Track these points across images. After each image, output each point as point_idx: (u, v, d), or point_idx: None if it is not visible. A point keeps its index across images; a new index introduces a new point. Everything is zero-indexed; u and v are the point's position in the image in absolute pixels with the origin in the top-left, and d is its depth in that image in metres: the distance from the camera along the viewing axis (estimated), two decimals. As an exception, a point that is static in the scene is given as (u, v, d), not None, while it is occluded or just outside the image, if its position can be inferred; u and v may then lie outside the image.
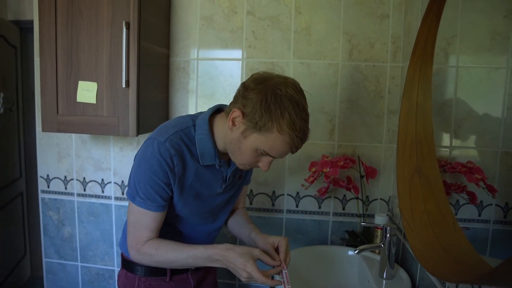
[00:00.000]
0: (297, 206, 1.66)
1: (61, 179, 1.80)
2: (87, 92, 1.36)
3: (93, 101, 1.36)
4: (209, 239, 1.25)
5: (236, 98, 0.99)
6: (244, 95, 0.96)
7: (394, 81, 1.54)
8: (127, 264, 1.20)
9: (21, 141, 2.97)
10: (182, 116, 1.11)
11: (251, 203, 1.68)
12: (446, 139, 1.09)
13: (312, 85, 1.57)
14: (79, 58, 1.35)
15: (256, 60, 1.59)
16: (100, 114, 1.36)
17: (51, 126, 1.40)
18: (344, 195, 1.63)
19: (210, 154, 1.05)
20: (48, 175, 1.81)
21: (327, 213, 1.65)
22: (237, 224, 1.29)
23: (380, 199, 1.62)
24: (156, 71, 1.52)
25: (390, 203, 1.60)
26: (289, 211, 1.67)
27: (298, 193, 1.65)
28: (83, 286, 1.88)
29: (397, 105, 1.53)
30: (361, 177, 1.52)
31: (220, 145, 1.07)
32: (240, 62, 1.60)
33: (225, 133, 1.02)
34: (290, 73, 1.57)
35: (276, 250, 1.10)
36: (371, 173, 1.50)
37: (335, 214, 1.65)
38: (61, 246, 1.86)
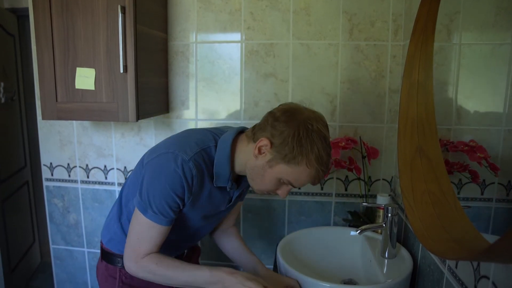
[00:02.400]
0: (299, 188, 1.66)
1: (64, 167, 1.81)
2: (85, 78, 1.35)
3: (92, 87, 1.35)
4: (193, 241, 1.27)
5: (263, 126, 1.00)
6: (274, 125, 0.97)
7: (396, 60, 1.52)
8: (107, 255, 1.19)
9: (24, 130, 2.98)
10: (203, 131, 1.09)
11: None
12: (448, 118, 1.08)
13: (312, 66, 1.55)
14: (76, 44, 1.34)
15: (255, 42, 1.57)
16: (99, 100, 1.36)
17: (51, 114, 1.40)
18: (347, 176, 1.63)
19: (225, 177, 1.05)
20: (51, 163, 1.82)
21: (329, 194, 1.65)
22: (236, 251, 1.31)
23: (383, 179, 1.61)
24: (155, 55, 1.51)
25: (393, 183, 1.60)
26: (291, 193, 1.67)
27: (300, 175, 1.65)
28: (90, 271, 1.91)
29: (398, 84, 1.52)
30: (363, 157, 1.52)
31: (237, 167, 1.07)
32: (239, 44, 1.58)
33: (246, 157, 1.03)
34: (289, 54, 1.55)
35: None
36: (372, 153, 1.50)
37: (338, 195, 1.65)
38: (67, 232, 1.89)
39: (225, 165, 1.03)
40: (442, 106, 1.09)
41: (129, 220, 1.11)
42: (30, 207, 3.09)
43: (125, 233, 1.14)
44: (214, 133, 1.08)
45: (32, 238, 3.12)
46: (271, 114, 1.01)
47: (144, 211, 1.00)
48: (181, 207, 1.03)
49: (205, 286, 1.00)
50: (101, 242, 1.23)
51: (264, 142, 0.97)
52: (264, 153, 0.98)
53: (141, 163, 1.08)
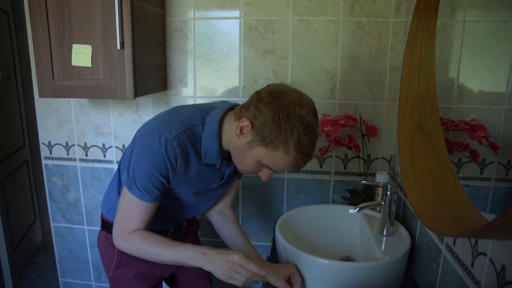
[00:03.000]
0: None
1: (62, 145, 1.81)
2: (81, 55, 1.33)
3: (89, 64, 1.33)
4: (190, 214, 1.27)
5: (248, 106, 0.98)
6: (257, 106, 0.94)
7: (397, 37, 1.49)
8: (106, 225, 1.23)
9: (22, 109, 2.97)
10: (191, 109, 1.07)
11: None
12: (449, 97, 1.07)
13: (312, 43, 1.53)
14: (71, 20, 1.31)
15: (254, 18, 1.54)
16: (96, 78, 1.34)
17: (48, 92, 1.39)
18: (346, 154, 1.62)
19: (213, 154, 1.04)
20: (49, 142, 1.81)
21: (328, 173, 1.65)
22: (232, 238, 1.30)
23: (382, 157, 1.61)
24: (152, 32, 1.48)
25: (392, 162, 1.60)
26: (290, 171, 1.67)
27: (299, 153, 1.64)
28: (91, 248, 1.93)
29: (399, 62, 1.50)
30: (363, 135, 1.51)
31: (225, 145, 1.06)
32: (238, 20, 1.55)
33: (231, 135, 1.01)
34: (289, 30, 1.52)
35: (288, 280, 1.12)
36: (372, 131, 1.49)
37: (337, 173, 1.65)
38: (67, 210, 1.89)
39: (212, 143, 1.02)
40: (444, 84, 1.07)
41: None
42: (30, 186, 3.10)
43: None
44: (203, 110, 1.06)
45: (33, 216, 3.15)
46: (257, 94, 0.98)
47: (129, 188, 1.02)
48: (166, 185, 1.04)
49: (188, 262, 1.02)
50: (102, 213, 1.26)
51: (245, 122, 0.95)
52: (245, 133, 0.96)
53: (134, 138, 1.09)
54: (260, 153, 0.95)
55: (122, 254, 1.20)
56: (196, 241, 1.43)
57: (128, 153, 1.07)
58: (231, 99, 1.61)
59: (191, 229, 1.37)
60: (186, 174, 1.04)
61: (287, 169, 0.99)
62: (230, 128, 1.03)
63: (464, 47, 1.02)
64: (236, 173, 1.19)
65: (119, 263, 1.23)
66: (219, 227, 1.33)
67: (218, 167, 1.08)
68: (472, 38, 0.99)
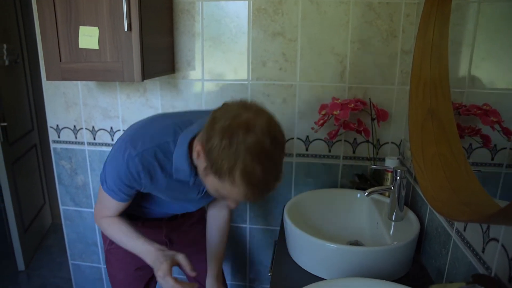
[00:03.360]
0: (307, 150, 1.65)
1: (70, 129, 1.81)
2: (88, 37, 1.32)
3: (96, 46, 1.32)
4: (183, 211, 1.29)
5: (205, 127, 0.88)
6: (208, 129, 0.84)
7: (409, 19, 1.46)
8: None
9: (30, 93, 2.98)
10: (166, 124, 1.04)
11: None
12: (462, 81, 1.05)
13: (322, 25, 1.50)
14: (77, 2, 1.30)
15: None
16: (103, 60, 1.33)
17: (55, 75, 1.38)
18: (355, 139, 1.61)
19: (185, 172, 1.01)
20: (57, 125, 1.82)
21: (337, 157, 1.64)
22: (212, 239, 1.32)
23: (391, 142, 1.59)
24: (160, 13, 1.46)
25: (401, 147, 1.58)
26: (298, 155, 1.66)
27: (308, 136, 1.63)
28: (99, 231, 1.95)
29: (411, 45, 1.47)
30: (372, 120, 1.49)
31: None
32: (247, 2, 1.52)
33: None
34: (298, 12, 1.49)
35: None
36: (382, 115, 1.47)
37: (345, 157, 1.64)
38: (75, 194, 1.91)
39: (183, 162, 0.99)
40: (456, 68, 1.05)
41: None
42: (39, 169, 3.14)
43: None
44: (179, 126, 1.02)
45: (42, 199, 3.19)
46: (212, 115, 0.87)
47: (102, 184, 1.07)
48: (135, 191, 1.07)
49: (140, 255, 1.06)
50: None
51: (198, 147, 0.88)
52: (201, 158, 0.88)
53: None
54: (213, 181, 0.86)
55: None
56: (200, 230, 1.41)
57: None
58: (239, 83, 1.59)
59: (190, 218, 1.38)
60: (154, 186, 1.06)
61: (240, 200, 0.90)
62: None
63: (479, 29, 0.99)
64: None
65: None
66: (208, 222, 1.34)
67: (191, 185, 1.05)
68: (488, 20, 0.96)
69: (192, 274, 0.98)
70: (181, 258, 1.01)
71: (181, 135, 1.00)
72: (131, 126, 1.09)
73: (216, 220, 1.32)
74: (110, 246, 1.29)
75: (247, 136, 0.79)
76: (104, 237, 1.31)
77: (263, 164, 0.80)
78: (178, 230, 1.35)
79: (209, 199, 1.21)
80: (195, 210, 1.30)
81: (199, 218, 1.43)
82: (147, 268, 1.31)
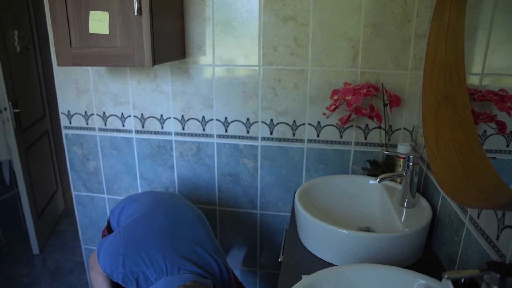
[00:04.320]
0: (318, 136, 1.64)
1: (81, 115, 1.82)
2: (99, 22, 1.31)
3: (106, 31, 1.31)
4: None
5: None
6: None
7: (424, 3, 1.42)
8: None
9: (41, 80, 3.00)
10: (160, 249, 1.18)
11: (271, 133, 1.67)
12: (477, 65, 1.02)
13: (334, 9, 1.47)
14: (87, -14, 1.29)
15: (274, -17, 1.48)
16: (114, 45, 1.32)
17: (66, 60, 1.38)
18: (367, 124, 1.59)
19: None
20: (69, 111, 1.83)
21: (348, 143, 1.63)
22: None
23: (404, 128, 1.57)
24: (169, -2, 1.45)
25: (414, 133, 1.56)
26: (310, 141, 1.65)
27: (319, 122, 1.62)
28: (111, 216, 1.97)
29: (425, 29, 1.43)
30: (385, 105, 1.47)
31: None
32: (257, -14, 1.50)
33: None
34: (310, -4, 1.47)
35: None
36: (395, 101, 1.45)
37: (357, 143, 1.62)
38: (87, 179, 1.93)
39: None
40: (472, 52, 1.02)
41: None
42: (52, 155, 3.17)
43: None
44: (166, 262, 1.16)
45: (55, 185, 3.23)
46: None
47: (98, 257, 1.22)
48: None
49: None
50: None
51: None
52: None
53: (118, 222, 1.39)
54: None
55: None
56: None
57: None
58: (251, 68, 1.58)
59: None
60: None
61: None
62: None
63: (497, 12, 0.96)
64: None
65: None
66: None
67: None
68: (507, 2, 0.93)
69: None
70: None
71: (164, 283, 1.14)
72: (128, 207, 1.36)
73: None
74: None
75: None
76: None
77: None
78: None
79: None
80: None
81: None
82: None
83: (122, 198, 1.92)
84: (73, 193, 1.97)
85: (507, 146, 0.84)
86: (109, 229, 1.44)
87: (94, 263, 1.24)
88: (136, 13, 1.25)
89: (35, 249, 2.72)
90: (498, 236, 0.85)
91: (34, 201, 2.70)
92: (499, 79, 0.95)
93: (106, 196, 1.94)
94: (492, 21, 0.97)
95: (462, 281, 0.78)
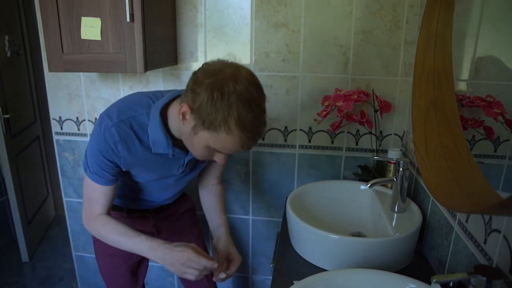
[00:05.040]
0: (309, 141, 1.65)
1: (73, 121, 1.81)
2: (91, 28, 1.31)
3: (98, 37, 1.31)
4: (166, 198, 1.28)
5: (187, 89, 0.93)
6: (193, 89, 0.89)
7: (413, 10, 1.45)
8: None
9: (33, 85, 2.97)
10: (140, 97, 1.06)
11: (263, 139, 1.67)
12: (465, 72, 1.04)
13: (325, 16, 1.49)
14: (80, -8, 1.29)
15: (266, -10, 1.50)
16: (106, 51, 1.33)
17: (57, 66, 1.38)
18: (358, 130, 1.60)
19: (162, 144, 1.02)
20: (60, 117, 1.82)
21: (340, 148, 1.64)
22: (210, 207, 1.31)
23: (394, 134, 1.59)
24: (162, 4, 1.45)
25: (404, 138, 1.58)
26: (301, 146, 1.66)
27: (310, 128, 1.63)
28: (103, 222, 1.96)
29: (415, 36, 1.46)
30: (375, 111, 1.49)
31: (175, 133, 1.04)
32: (249, -8, 1.51)
33: (179, 123, 0.98)
34: (302, 3, 1.48)
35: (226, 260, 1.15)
36: (385, 107, 1.46)
37: (348, 149, 1.63)
38: (79, 185, 1.92)
39: (159, 133, 1.01)
40: (460, 59, 1.04)
41: None
42: (42, 161, 3.15)
43: None
44: (151, 99, 1.04)
45: (46, 191, 3.20)
46: (193, 75, 0.93)
47: (85, 170, 1.06)
48: (117, 169, 1.05)
49: (141, 254, 1.04)
50: None
51: (184, 108, 0.91)
52: (187, 119, 0.92)
53: None
54: (205, 137, 0.91)
55: None
56: (189, 219, 1.44)
57: None
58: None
59: (178, 209, 1.39)
60: (133, 161, 1.05)
61: (237, 150, 0.94)
62: (176, 116, 1.00)
63: (484, 20, 0.98)
64: (203, 161, 1.18)
65: None
66: (203, 202, 1.35)
67: (171, 156, 1.06)
68: (493, 10, 0.95)
69: (214, 265, 1.00)
70: (195, 247, 1.01)
71: (153, 107, 1.02)
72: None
73: (210, 193, 1.32)
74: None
75: (236, 86, 0.85)
76: None
77: (253, 111, 0.87)
78: (165, 221, 1.36)
79: (191, 175, 1.22)
80: (178, 195, 1.32)
81: (186, 209, 1.44)
82: (132, 256, 1.31)
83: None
84: (64, 199, 1.96)
85: (495, 151, 0.86)
86: None
87: (89, 206, 1.08)
88: (128, 19, 1.25)
89: (25, 256, 2.69)
90: (485, 240, 0.86)
91: (24, 208, 2.67)
92: (486, 85, 0.97)
93: (97, 202, 1.93)
94: (479, 29, 0.99)
95: (451, 284, 0.80)
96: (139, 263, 1.38)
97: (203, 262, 0.97)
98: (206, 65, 0.93)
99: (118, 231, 1.05)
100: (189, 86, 0.92)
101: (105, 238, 1.08)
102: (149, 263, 1.46)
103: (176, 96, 1.05)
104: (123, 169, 1.07)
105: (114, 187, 1.08)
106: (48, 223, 3.20)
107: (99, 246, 1.32)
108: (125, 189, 1.20)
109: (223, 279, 1.10)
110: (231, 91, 0.85)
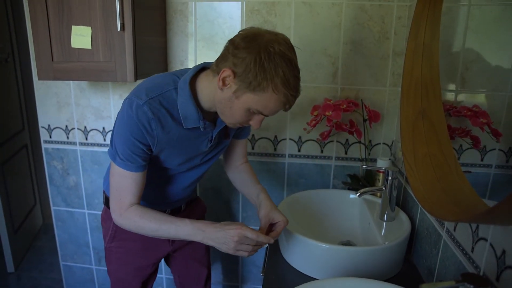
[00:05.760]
0: (299, 151, 1.66)
1: (62, 129, 1.80)
2: (81, 37, 1.31)
3: (88, 46, 1.31)
4: (186, 189, 1.26)
5: (224, 56, 0.95)
6: (234, 53, 0.92)
7: (401, 21, 1.48)
8: (106, 201, 1.27)
9: (21, 93, 2.95)
10: (164, 76, 1.06)
11: (252, 148, 1.68)
12: (452, 82, 1.06)
13: (315, 26, 1.51)
14: (70, 1, 1.29)
15: (257, 0, 1.51)
16: (96, 60, 1.32)
17: (47, 74, 1.37)
18: (347, 139, 1.62)
19: (193, 117, 1.03)
20: (49, 125, 1.81)
21: (329, 157, 1.65)
22: (244, 182, 1.30)
23: (383, 143, 1.61)
24: (153, 13, 1.46)
25: (393, 148, 1.60)
26: (291, 156, 1.67)
27: (300, 137, 1.64)
28: (91, 232, 1.94)
29: (403, 46, 1.48)
30: (364, 120, 1.51)
31: (206, 104, 1.04)
32: (240, 3, 1.53)
33: (213, 92, 1.00)
34: (291, 13, 1.50)
35: (271, 225, 1.13)
36: (374, 116, 1.48)
37: (338, 158, 1.65)
38: (67, 194, 1.90)
39: (189, 106, 1.01)
40: (447, 70, 1.06)
41: None
42: (30, 170, 3.10)
43: None
44: (176, 75, 1.05)
45: (33, 200, 3.15)
46: (231, 42, 0.96)
47: (114, 159, 1.03)
48: (149, 152, 1.04)
49: (187, 237, 1.02)
50: (103, 188, 1.30)
51: (226, 72, 0.92)
52: (228, 84, 0.94)
53: None
54: (249, 99, 0.94)
55: (117, 229, 1.24)
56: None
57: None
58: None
59: (192, 212, 1.38)
60: (167, 139, 1.04)
61: (278, 110, 0.97)
62: (209, 85, 1.01)
63: (469, 32, 1.00)
64: (226, 135, 1.18)
65: (113, 237, 1.27)
66: (234, 180, 1.34)
67: (202, 129, 1.06)
68: (477, 23, 0.97)
69: (271, 241, 1.00)
70: (246, 229, 0.99)
71: (180, 82, 1.03)
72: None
73: (240, 172, 1.32)
74: (110, 244, 1.28)
75: (280, 47, 0.90)
76: (105, 234, 1.30)
77: (294, 70, 0.93)
78: None
79: (214, 154, 1.21)
80: (195, 189, 1.32)
81: (199, 213, 1.43)
82: (147, 268, 1.31)
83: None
84: (52, 208, 1.93)
85: (482, 160, 0.87)
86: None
87: (119, 196, 1.05)
88: (119, 29, 1.26)
89: (10, 267, 2.64)
90: (473, 248, 0.88)
91: (10, 217, 2.63)
92: (472, 96, 0.99)
93: (86, 211, 1.91)
94: (465, 40, 1.02)
95: (439, 293, 0.80)
96: (149, 275, 1.36)
97: (261, 238, 0.98)
98: (243, 31, 0.96)
99: (158, 219, 1.03)
100: (229, 51, 0.94)
101: (142, 228, 1.05)
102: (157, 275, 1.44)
103: (199, 69, 1.06)
104: (154, 152, 1.05)
105: (144, 174, 1.06)
106: (35, 233, 3.15)
107: (113, 255, 1.30)
108: (146, 187, 1.16)
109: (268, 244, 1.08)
110: (276, 52, 0.89)
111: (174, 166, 1.15)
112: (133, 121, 0.97)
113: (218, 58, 0.99)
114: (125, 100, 1.00)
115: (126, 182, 1.04)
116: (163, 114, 1.00)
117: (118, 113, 1.03)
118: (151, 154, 1.06)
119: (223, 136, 1.17)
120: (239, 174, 1.32)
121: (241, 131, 1.24)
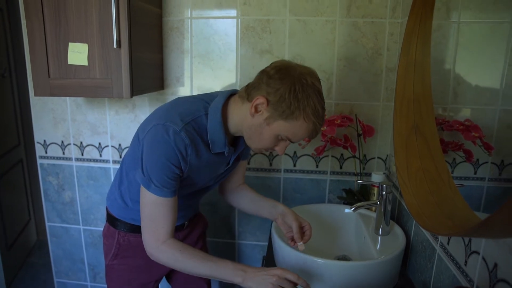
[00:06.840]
0: (294, 166, 1.67)
1: (58, 144, 1.80)
2: (78, 54, 1.33)
3: (85, 63, 1.33)
4: (192, 206, 1.30)
5: (257, 85, 1.01)
6: (268, 83, 0.98)
7: (393, 38, 1.50)
8: (110, 218, 1.27)
9: (17, 108, 2.95)
10: (193, 101, 1.09)
11: (248, 163, 1.68)
12: (444, 97, 1.08)
13: (309, 43, 1.53)
14: (67, 18, 1.31)
15: (251, 18, 1.54)
16: (92, 76, 1.34)
17: (43, 91, 1.38)
18: (342, 154, 1.63)
19: (220, 142, 1.06)
20: (45, 141, 1.81)
21: (324, 172, 1.66)
22: (253, 199, 1.33)
23: (378, 157, 1.62)
24: (149, 31, 1.48)
25: (387, 162, 1.61)
26: (286, 171, 1.67)
27: (295, 152, 1.65)
28: (86, 248, 1.92)
29: (395, 62, 1.51)
30: (359, 135, 1.52)
31: (232, 129, 1.09)
32: (235, 20, 1.55)
33: (242, 118, 1.04)
34: (286, 31, 1.53)
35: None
36: (368, 131, 1.50)
37: (333, 173, 1.66)
38: (62, 210, 1.89)
39: (218, 131, 1.05)
40: (439, 85, 1.08)
41: (129, 190, 1.17)
42: (25, 185, 3.09)
43: (124, 200, 1.21)
44: (205, 101, 1.08)
45: (27, 216, 3.13)
46: (264, 73, 1.01)
47: (148, 187, 1.02)
48: (180, 176, 1.05)
49: (227, 277, 1.01)
50: (106, 206, 1.30)
51: (260, 100, 0.98)
52: (260, 111, 0.99)
53: (137, 137, 1.09)
54: (280, 126, 0.99)
55: (121, 246, 1.24)
56: (201, 239, 1.43)
57: (135, 151, 1.08)
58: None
59: (195, 228, 1.38)
60: (197, 164, 1.06)
61: (304, 137, 1.03)
62: (238, 111, 1.05)
63: (459, 48, 1.02)
64: (238, 158, 1.23)
65: (116, 255, 1.26)
66: (238, 202, 1.36)
67: (226, 154, 1.10)
68: (467, 40, 0.99)
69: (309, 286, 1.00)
70: (287, 271, 1.00)
71: (210, 108, 1.06)
72: (152, 115, 1.08)
73: (242, 191, 1.35)
74: (112, 262, 1.27)
75: (312, 80, 0.98)
76: (106, 251, 1.28)
77: (321, 101, 1.00)
78: (185, 240, 1.34)
79: (228, 173, 1.26)
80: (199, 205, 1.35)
81: (200, 230, 1.43)
82: (149, 285, 1.31)
83: (98, 228, 1.88)
84: (47, 224, 1.92)
85: (475, 173, 0.88)
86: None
87: (156, 227, 1.04)
88: (115, 46, 1.27)
89: (2, 284, 2.60)
90: (466, 261, 0.88)
91: (4, 233, 2.60)
92: (464, 110, 1.00)
93: (81, 227, 1.90)
94: (455, 56, 1.04)
95: (434, 307, 0.80)
96: None
97: (301, 281, 0.99)
98: (275, 63, 1.03)
99: (199, 256, 1.03)
100: (263, 81, 0.99)
101: (182, 263, 1.03)
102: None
103: (229, 95, 1.10)
104: (184, 176, 1.06)
105: (176, 199, 1.06)
106: (29, 249, 3.11)
107: (115, 273, 1.28)
108: None
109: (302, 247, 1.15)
110: (309, 84, 0.97)
111: (189, 188, 1.16)
112: (170, 147, 0.98)
113: (248, 86, 1.04)
114: (156, 125, 1.00)
115: (162, 210, 1.03)
116: (197, 140, 1.03)
117: (146, 138, 1.02)
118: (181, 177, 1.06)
119: (237, 158, 1.21)
120: (243, 193, 1.35)
121: (244, 152, 1.27)
